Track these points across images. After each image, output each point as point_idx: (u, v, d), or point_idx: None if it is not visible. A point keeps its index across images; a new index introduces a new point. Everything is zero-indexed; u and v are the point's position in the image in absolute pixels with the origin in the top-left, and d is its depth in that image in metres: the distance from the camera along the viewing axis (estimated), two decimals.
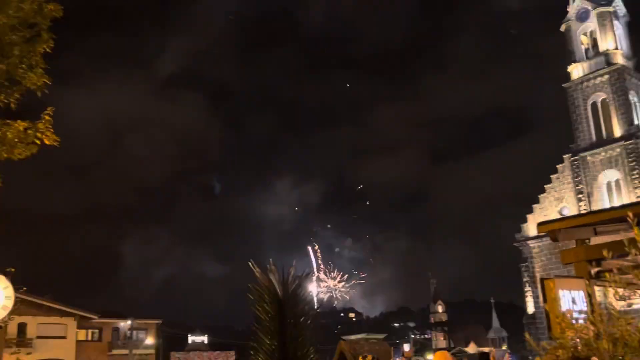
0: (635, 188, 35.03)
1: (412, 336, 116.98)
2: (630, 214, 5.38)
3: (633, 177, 35.28)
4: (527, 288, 39.42)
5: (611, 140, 36.17)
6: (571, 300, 6.69)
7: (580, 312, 6.42)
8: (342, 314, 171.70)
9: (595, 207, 34.74)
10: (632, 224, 5.11)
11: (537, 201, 39.64)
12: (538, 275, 37.86)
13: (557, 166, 38.78)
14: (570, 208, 37.44)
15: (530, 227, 39.27)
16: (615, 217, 7.44)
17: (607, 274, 7.05)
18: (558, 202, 38.65)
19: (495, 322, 78.39)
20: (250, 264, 6.61)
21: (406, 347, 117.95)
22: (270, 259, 6.57)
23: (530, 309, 39.00)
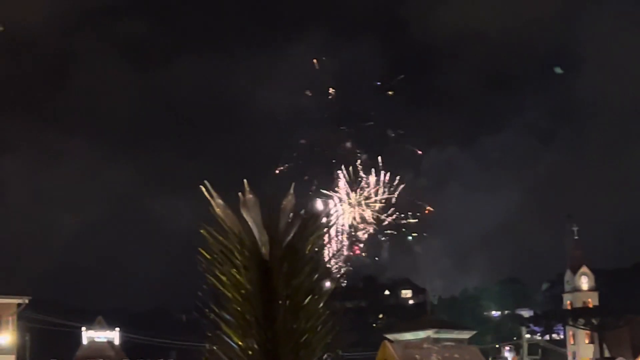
0: None
1: (527, 336, 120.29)
2: None
3: None
4: None
5: None
6: None
7: None
8: (387, 292, 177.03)
9: None
10: None
11: None
12: None
13: None
14: None
15: None
16: None
17: None
18: None
19: None
20: (203, 188, 6.63)
21: (508, 355, 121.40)
22: (245, 181, 6.58)
23: None
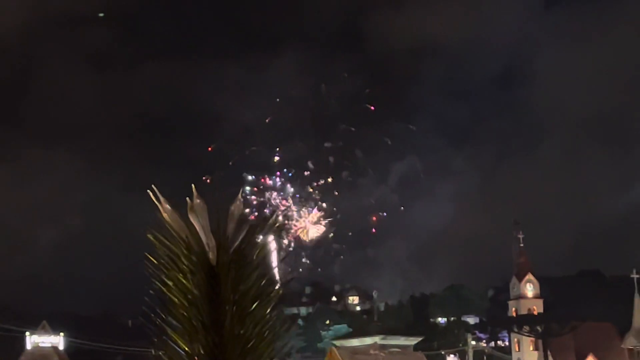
0: None
1: (472, 342, 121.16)
2: None
3: None
4: None
5: None
6: None
7: None
8: (334, 298, 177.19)
9: None
10: None
11: None
12: None
13: None
14: None
15: None
16: None
17: None
18: None
19: None
20: (150, 193, 6.61)
21: None
22: (193, 186, 6.58)
23: None
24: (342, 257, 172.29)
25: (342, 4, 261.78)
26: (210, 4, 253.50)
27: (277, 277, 6.85)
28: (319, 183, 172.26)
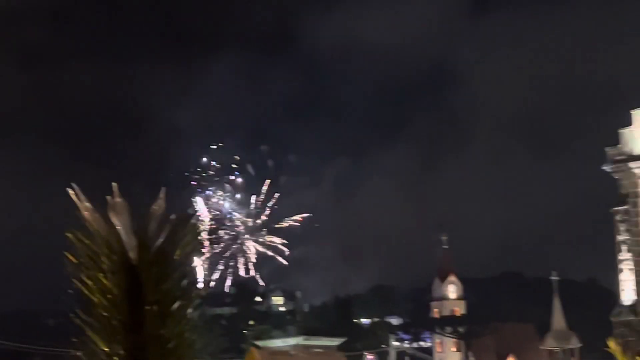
0: None
1: (395, 343, 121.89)
2: None
3: None
4: (624, 254, 41.30)
5: None
6: None
7: None
8: (259, 298, 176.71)
9: None
10: None
11: None
12: None
13: None
14: None
15: (638, 136, 40.67)
16: None
17: None
18: None
19: (559, 318, 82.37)
20: (70, 191, 6.53)
21: None
22: (114, 185, 6.51)
23: (629, 294, 41.15)
24: (280, 265, 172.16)
25: (274, 5, 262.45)
26: (143, 3, 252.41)
27: (200, 277, 6.82)
28: (259, 189, 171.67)
